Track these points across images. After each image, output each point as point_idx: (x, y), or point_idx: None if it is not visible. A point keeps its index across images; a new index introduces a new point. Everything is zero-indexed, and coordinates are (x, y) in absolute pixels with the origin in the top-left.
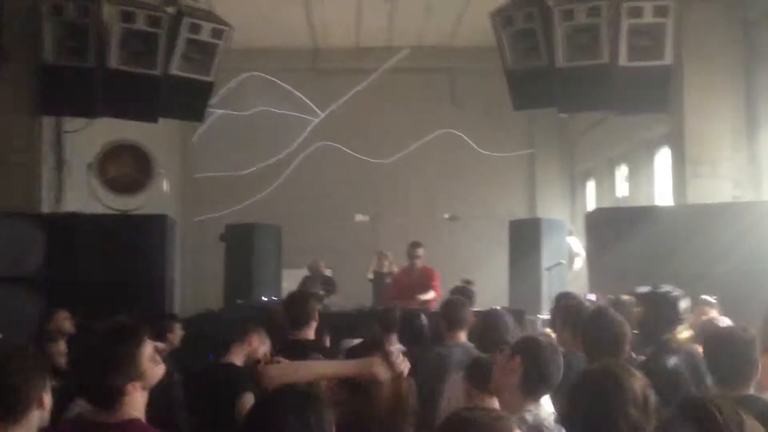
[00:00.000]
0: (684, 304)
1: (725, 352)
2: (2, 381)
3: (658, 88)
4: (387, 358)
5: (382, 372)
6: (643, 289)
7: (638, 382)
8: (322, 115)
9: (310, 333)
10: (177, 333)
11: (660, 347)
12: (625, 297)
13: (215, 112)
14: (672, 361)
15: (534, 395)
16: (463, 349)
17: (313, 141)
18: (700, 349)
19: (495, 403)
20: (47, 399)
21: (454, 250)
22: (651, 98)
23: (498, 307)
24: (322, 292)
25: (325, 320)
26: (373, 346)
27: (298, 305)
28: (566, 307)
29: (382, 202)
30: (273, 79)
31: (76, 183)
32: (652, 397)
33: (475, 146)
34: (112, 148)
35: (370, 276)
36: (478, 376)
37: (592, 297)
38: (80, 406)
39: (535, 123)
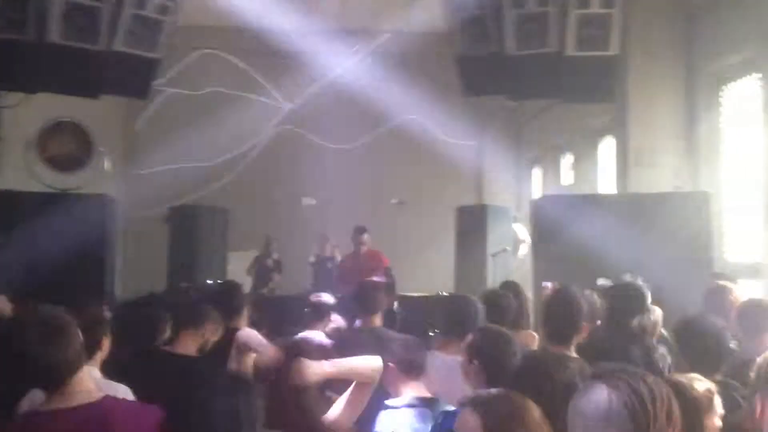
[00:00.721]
0: (649, 294)
1: (696, 340)
2: None
3: (604, 78)
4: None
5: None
6: (607, 282)
7: (567, 373)
8: (292, 105)
9: (242, 323)
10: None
11: (626, 338)
12: (587, 291)
13: (165, 90)
14: (635, 351)
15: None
16: (373, 335)
17: (266, 127)
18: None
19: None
20: None
21: (402, 235)
22: (597, 88)
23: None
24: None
25: (267, 308)
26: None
27: (227, 295)
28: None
29: (330, 186)
30: (230, 57)
31: (13, 160)
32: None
33: (436, 132)
34: (52, 124)
35: (312, 260)
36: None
37: (548, 284)
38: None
39: (483, 110)
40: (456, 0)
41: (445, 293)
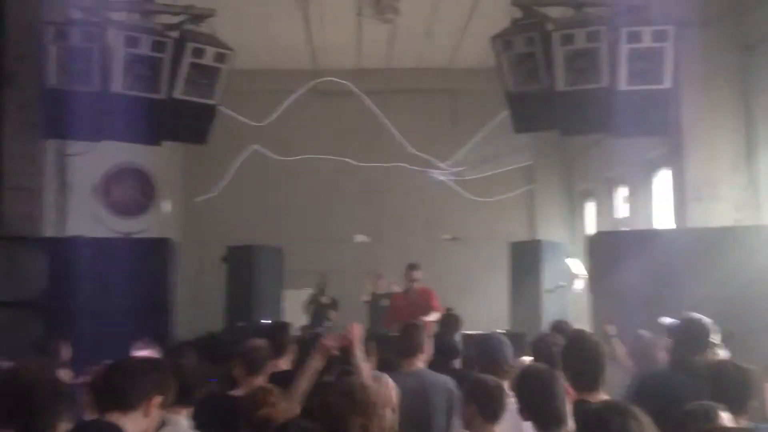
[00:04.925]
0: (714, 331)
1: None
2: (26, 404)
3: (658, 112)
4: None
5: None
6: (670, 319)
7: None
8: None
9: (285, 363)
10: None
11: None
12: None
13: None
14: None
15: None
16: (416, 378)
17: (317, 161)
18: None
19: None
20: (63, 427)
21: (454, 271)
22: (651, 121)
23: (500, 331)
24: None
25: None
26: None
27: (276, 334)
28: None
29: (382, 222)
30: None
31: (79, 206)
32: None
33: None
34: (115, 171)
35: (366, 298)
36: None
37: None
38: None
39: (534, 144)
40: (504, 38)
41: (500, 331)
